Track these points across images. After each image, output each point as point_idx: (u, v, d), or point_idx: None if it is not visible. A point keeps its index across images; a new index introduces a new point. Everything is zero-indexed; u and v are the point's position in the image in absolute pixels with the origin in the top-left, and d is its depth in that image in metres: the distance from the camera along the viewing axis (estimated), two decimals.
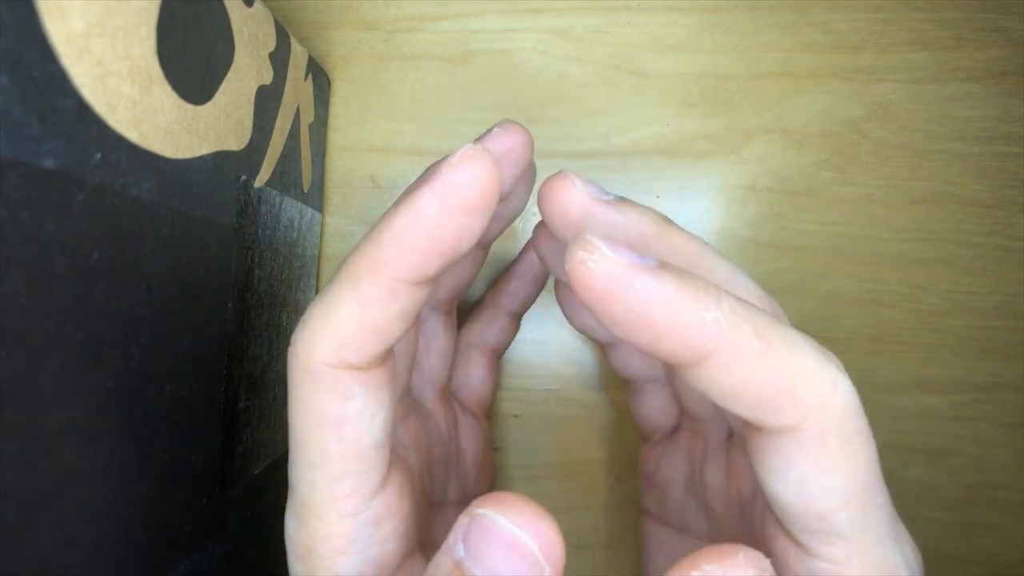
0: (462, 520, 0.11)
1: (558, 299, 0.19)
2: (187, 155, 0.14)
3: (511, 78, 0.24)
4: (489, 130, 0.14)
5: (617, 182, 0.24)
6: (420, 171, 0.24)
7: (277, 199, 0.19)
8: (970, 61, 0.23)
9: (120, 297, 0.12)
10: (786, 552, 0.12)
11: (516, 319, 0.21)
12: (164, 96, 0.13)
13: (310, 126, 0.21)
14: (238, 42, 0.15)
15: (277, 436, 0.20)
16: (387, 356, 0.13)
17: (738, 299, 0.11)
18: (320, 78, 0.22)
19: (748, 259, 0.24)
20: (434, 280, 0.12)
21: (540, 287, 0.21)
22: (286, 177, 0.19)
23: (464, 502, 0.19)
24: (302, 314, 0.21)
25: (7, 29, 0.09)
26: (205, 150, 0.14)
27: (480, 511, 0.10)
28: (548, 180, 0.13)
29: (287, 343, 0.20)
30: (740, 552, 0.10)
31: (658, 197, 0.24)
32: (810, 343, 0.12)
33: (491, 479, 0.21)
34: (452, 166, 0.11)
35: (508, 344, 0.21)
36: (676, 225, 0.14)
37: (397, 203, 0.12)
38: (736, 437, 0.16)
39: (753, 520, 0.14)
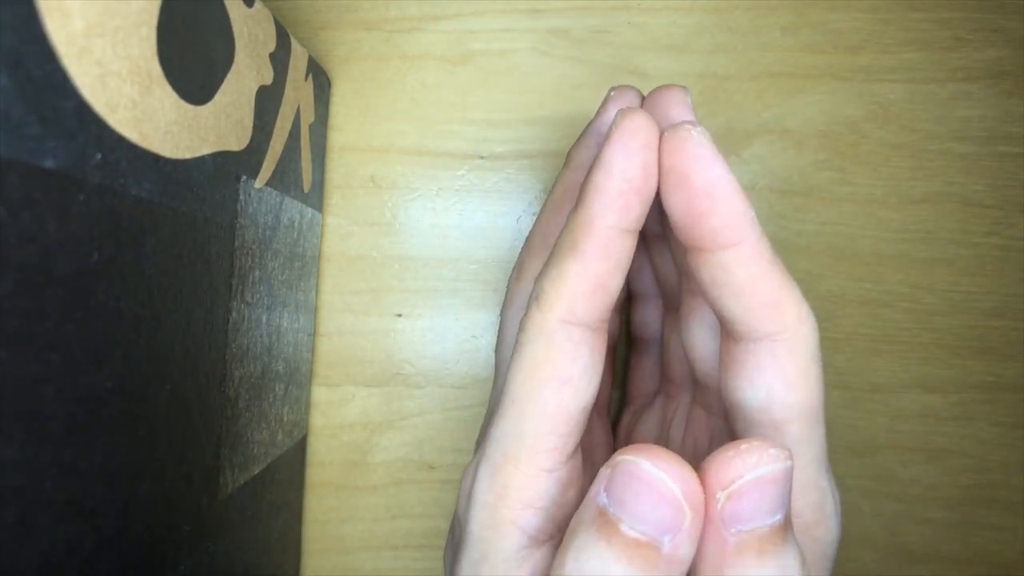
0: (603, 472, 0.12)
1: None
2: (187, 155, 0.14)
3: (511, 78, 0.24)
4: (607, 96, 0.17)
5: None
6: (420, 171, 0.24)
7: (277, 199, 0.19)
8: (969, 61, 0.24)
9: (120, 297, 0.12)
10: None
11: (618, 313, 0.22)
12: (164, 96, 0.13)
13: (310, 126, 0.21)
14: (238, 42, 0.15)
15: (277, 436, 0.20)
16: (604, 323, 0.14)
17: None
18: (320, 78, 0.22)
19: None
20: (637, 230, 0.14)
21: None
22: (286, 177, 0.19)
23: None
24: (302, 314, 0.21)
25: (7, 29, 0.09)
26: (205, 150, 0.14)
27: (623, 457, 0.11)
28: (661, 89, 0.16)
29: (287, 343, 0.20)
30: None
31: None
32: (795, 283, 0.14)
33: None
34: (620, 118, 0.13)
35: (616, 339, 0.22)
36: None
37: (589, 172, 0.14)
38: (696, 398, 0.18)
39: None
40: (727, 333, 0.14)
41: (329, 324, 0.24)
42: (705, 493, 0.11)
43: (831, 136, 0.24)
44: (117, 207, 0.11)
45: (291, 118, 0.19)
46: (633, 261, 0.21)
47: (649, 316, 0.21)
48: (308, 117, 0.21)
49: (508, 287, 0.18)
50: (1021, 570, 0.23)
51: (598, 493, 0.12)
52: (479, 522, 0.14)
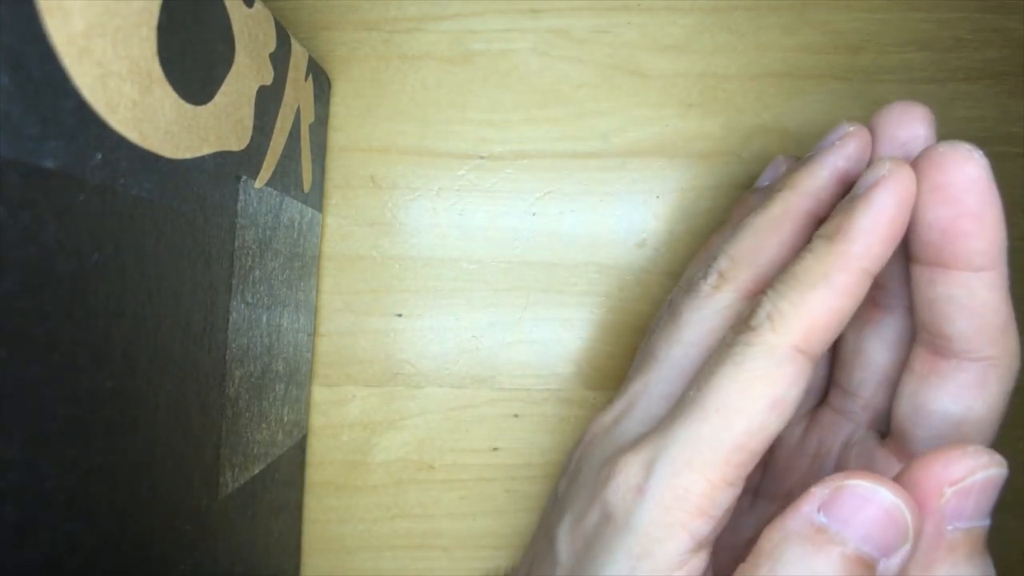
0: (817, 490, 0.12)
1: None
2: (187, 155, 0.14)
3: (511, 78, 0.24)
4: (836, 131, 0.17)
5: (617, 182, 0.24)
6: (420, 171, 0.24)
7: (277, 199, 0.19)
8: (969, 61, 0.23)
9: (120, 297, 0.12)
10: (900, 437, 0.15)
11: None
12: (164, 96, 0.13)
13: (310, 126, 0.21)
14: (238, 42, 0.15)
15: (277, 436, 0.20)
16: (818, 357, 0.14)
17: None
18: (320, 78, 0.22)
19: None
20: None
21: None
22: (286, 177, 0.19)
23: None
24: (302, 314, 0.21)
25: (7, 29, 0.09)
26: (205, 150, 0.14)
27: (853, 482, 0.12)
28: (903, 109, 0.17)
29: (287, 343, 0.20)
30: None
31: (658, 197, 0.24)
32: None
33: None
34: (891, 170, 0.14)
35: None
36: None
37: (850, 208, 0.14)
38: (829, 401, 0.18)
39: (848, 461, 0.17)
40: (933, 348, 0.15)
41: (329, 324, 0.24)
42: (926, 486, 0.12)
43: None
44: (117, 207, 0.11)
45: (291, 118, 0.19)
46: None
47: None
48: (308, 117, 0.21)
49: (695, 288, 0.17)
50: (1021, 570, 0.23)
51: (812, 510, 0.12)
52: (650, 518, 0.14)
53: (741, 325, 0.14)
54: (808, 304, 0.14)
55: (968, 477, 0.12)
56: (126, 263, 0.12)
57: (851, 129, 0.17)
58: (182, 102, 0.13)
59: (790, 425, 0.19)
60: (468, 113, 0.24)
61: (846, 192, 0.16)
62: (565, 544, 0.15)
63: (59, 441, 0.10)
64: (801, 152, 0.24)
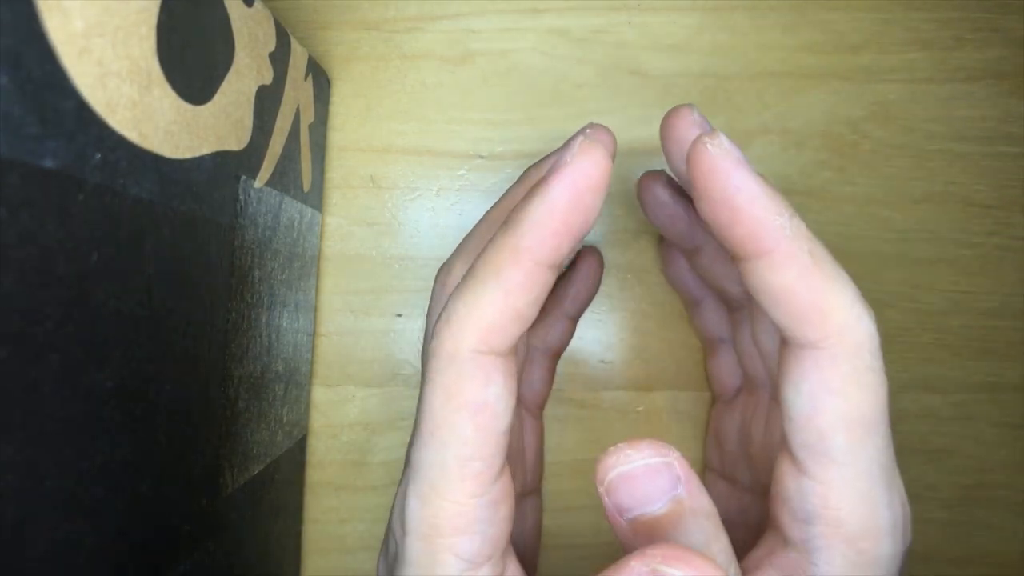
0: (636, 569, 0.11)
1: (662, 255, 0.22)
2: (187, 155, 0.14)
3: (511, 78, 0.24)
4: (580, 131, 0.15)
5: (617, 182, 0.24)
6: (420, 171, 0.24)
7: (277, 199, 0.19)
8: (970, 61, 0.23)
9: (120, 297, 0.12)
10: (786, 473, 0.14)
11: (574, 321, 0.22)
12: (164, 96, 0.13)
13: (310, 126, 0.21)
14: (238, 42, 0.15)
15: (277, 436, 0.20)
16: (516, 345, 0.14)
17: (806, 227, 0.13)
18: (320, 78, 0.22)
19: None
20: (562, 266, 0.14)
21: (596, 289, 0.22)
22: (286, 177, 0.19)
23: (525, 495, 0.21)
24: (302, 314, 0.21)
25: (7, 29, 0.09)
26: (205, 150, 0.14)
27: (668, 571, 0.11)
28: (669, 113, 0.16)
29: (287, 343, 0.20)
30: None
31: None
32: (852, 284, 0.13)
33: (542, 474, 0.23)
34: (575, 155, 0.13)
35: (566, 346, 0.22)
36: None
37: (528, 196, 0.13)
38: (775, 395, 0.18)
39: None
40: (781, 338, 0.14)
41: (329, 324, 0.24)
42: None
43: (831, 136, 0.24)
44: (117, 207, 0.11)
45: (291, 118, 0.19)
46: (674, 270, 0.22)
47: (710, 318, 0.22)
48: (308, 117, 0.21)
49: (434, 288, 0.18)
50: (1021, 570, 0.23)
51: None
52: (415, 551, 0.14)
53: (431, 331, 0.14)
54: (480, 303, 0.13)
55: (605, 476, 0.13)
56: (126, 263, 0.12)
57: (588, 130, 0.14)
58: (182, 102, 0.13)
59: (756, 418, 0.19)
60: (468, 113, 0.24)
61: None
62: (382, 572, 0.16)
63: (59, 441, 0.10)
64: (802, 151, 0.24)
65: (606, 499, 0.13)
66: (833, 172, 0.24)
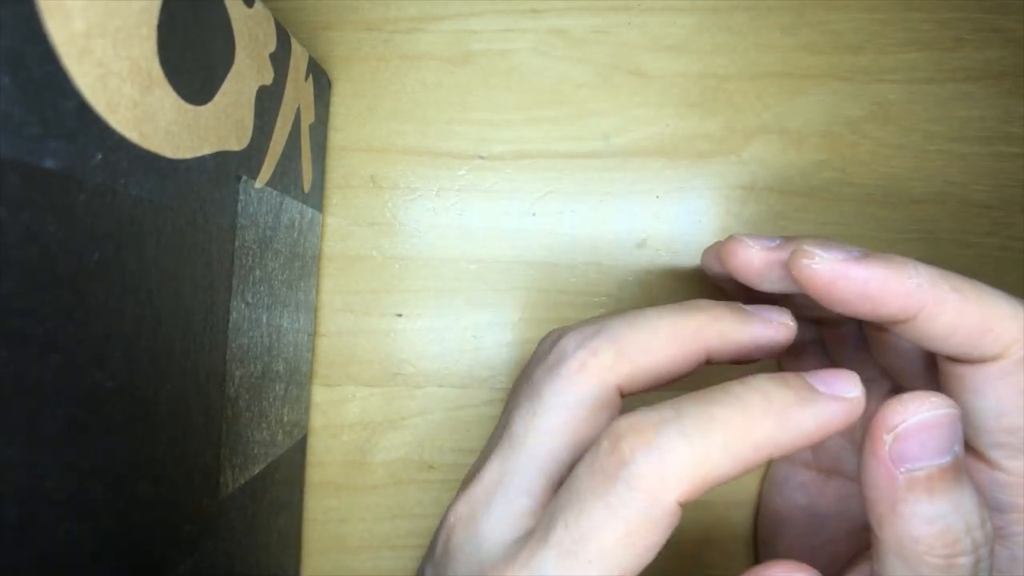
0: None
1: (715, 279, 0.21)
2: (188, 155, 0.14)
3: (511, 78, 0.24)
4: (780, 327, 0.16)
5: (617, 182, 0.24)
6: (420, 171, 0.24)
7: (277, 199, 0.19)
8: (969, 61, 0.24)
9: (120, 297, 0.12)
10: (969, 467, 0.15)
11: None
12: (165, 96, 0.13)
13: (310, 126, 0.21)
14: (238, 42, 0.15)
15: (277, 436, 0.20)
16: None
17: (930, 265, 0.14)
18: (320, 78, 0.22)
19: None
20: None
21: None
22: (286, 177, 0.19)
23: None
24: (302, 314, 0.21)
25: (8, 29, 0.09)
26: (206, 150, 0.14)
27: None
28: (725, 246, 0.17)
29: (287, 343, 0.20)
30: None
31: (658, 197, 0.24)
32: (1001, 292, 0.14)
33: None
34: (859, 396, 0.13)
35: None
36: (828, 236, 0.16)
37: (805, 399, 0.13)
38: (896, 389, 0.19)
39: None
40: (943, 359, 0.15)
41: (329, 324, 0.24)
42: (874, 436, 0.13)
43: (831, 136, 0.24)
44: (117, 207, 0.11)
45: (291, 118, 0.19)
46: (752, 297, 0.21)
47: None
48: (308, 117, 0.21)
49: (557, 363, 0.15)
50: None
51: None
52: None
53: (622, 457, 0.13)
54: (708, 464, 0.12)
55: (901, 423, 0.13)
56: (126, 263, 0.12)
57: (790, 324, 0.16)
58: (182, 102, 0.13)
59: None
60: (468, 113, 0.24)
61: (741, 355, 0.16)
62: None
63: (59, 441, 0.10)
64: (801, 151, 0.24)
65: (887, 448, 0.13)
66: (833, 172, 0.24)
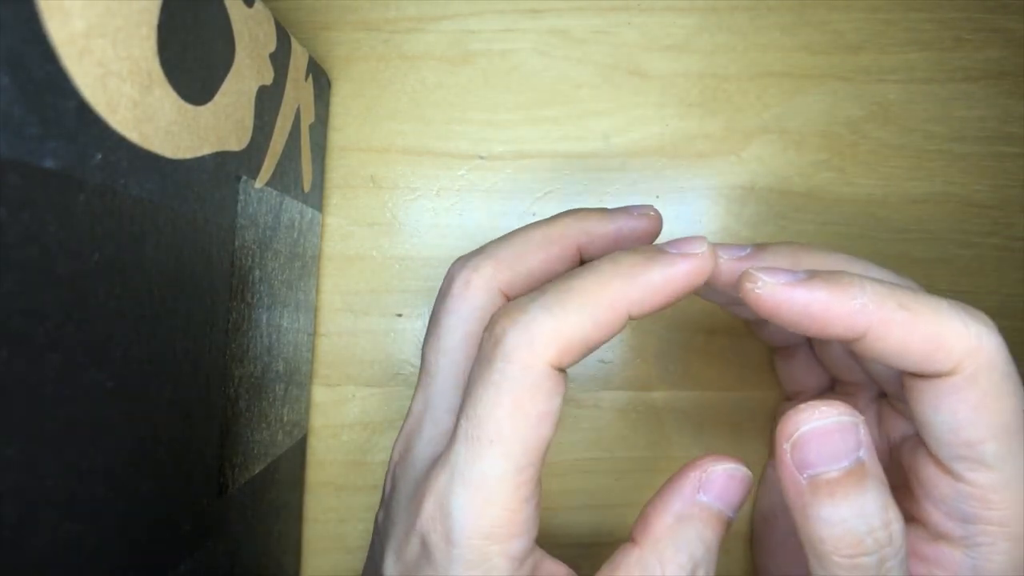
0: (691, 475, 0.15)
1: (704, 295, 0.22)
2: (188, 155, 0.14)
3: (511, 78, 0.24)
4: (646, 219, 0.17)
5: (617, 182, 0.24)
6: (420, 171, 0.24)
7: (277, 199, 0.19)
8: (969, 61, 0.24)
9: (120, 297, 0.12)
10: (935, 477, 0.15)
11: None
12: (165, 96, 0.13)
13: (310, 126, 0.21)
14: (238, 42, 0.15)
15: (277, 436, 0.20)
16: None
17: (879, 281, 0.14)
18: (320, 78, 0.22)
19: None
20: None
21: None
22: (286, 177, 0.19)
23: None
24: (302, 314, 0.21)
25: (8, 29, 0.09)
26: (206, 150, 0.14)
27: (723, 466, 0.15)
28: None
29: (287, 343, 0.20)
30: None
31: (658, 197, 0.24)
32: (954, 305, 0.14)
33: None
34: (705, 252, 0.14)
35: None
36: (802, 244, 0.17)
37: (645, 258, 0.14)
38: (885, 398, 0.19)
39: (901, 457, 0.17)
40: (905, 372, 0.15)
41: (329, 324, 0.24)
42: (778, 444, 0.14)
43: (831, 136, 0.24)
44: (117, 207, 0.11)
45: (291, 118, 0.19)
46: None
47: (783, 329, 0.22)
48: (308, 117, 0.21)
49: (453, 284, 0.17)
50: None
51: (694, 492, 0.15)
52: (466, 556, 0.14)
53: (496, 338, 0.14)
54: (567, 326, 0.13)
55: (796, 431, 0.13)
56: (126, 263, 0.12)
57: (652, 214, 0.17)
58: (182, 102, 0.13)
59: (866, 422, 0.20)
60: (468, 113, 0.24)
61: (612, 248, 0.17)
62: (391, 561, 0.16)
63: (59, 441, 0.10)
64: (801, 151, 0.24)
65: (789, 455, 0.14)
66: (833, 172, 0.24)
